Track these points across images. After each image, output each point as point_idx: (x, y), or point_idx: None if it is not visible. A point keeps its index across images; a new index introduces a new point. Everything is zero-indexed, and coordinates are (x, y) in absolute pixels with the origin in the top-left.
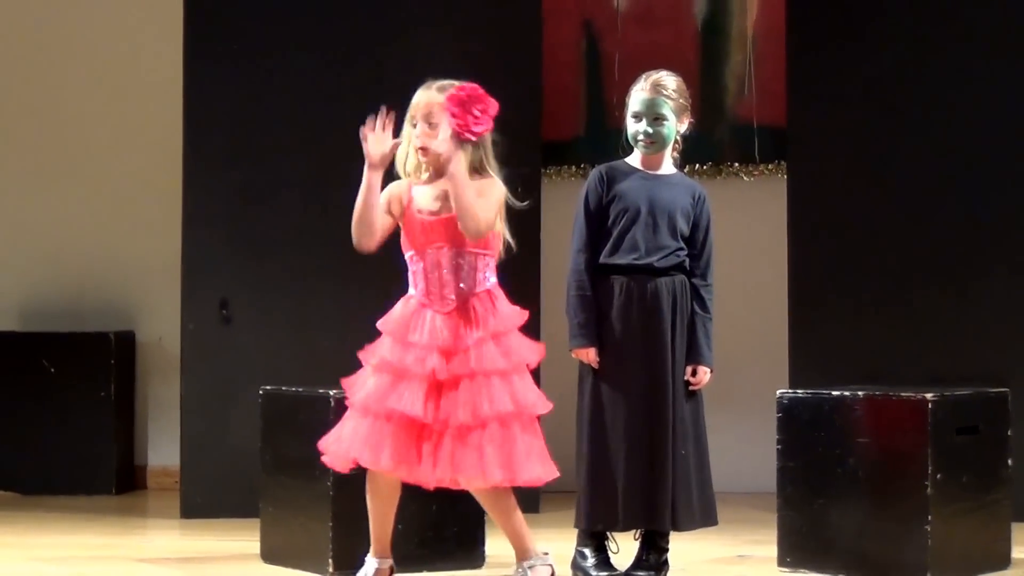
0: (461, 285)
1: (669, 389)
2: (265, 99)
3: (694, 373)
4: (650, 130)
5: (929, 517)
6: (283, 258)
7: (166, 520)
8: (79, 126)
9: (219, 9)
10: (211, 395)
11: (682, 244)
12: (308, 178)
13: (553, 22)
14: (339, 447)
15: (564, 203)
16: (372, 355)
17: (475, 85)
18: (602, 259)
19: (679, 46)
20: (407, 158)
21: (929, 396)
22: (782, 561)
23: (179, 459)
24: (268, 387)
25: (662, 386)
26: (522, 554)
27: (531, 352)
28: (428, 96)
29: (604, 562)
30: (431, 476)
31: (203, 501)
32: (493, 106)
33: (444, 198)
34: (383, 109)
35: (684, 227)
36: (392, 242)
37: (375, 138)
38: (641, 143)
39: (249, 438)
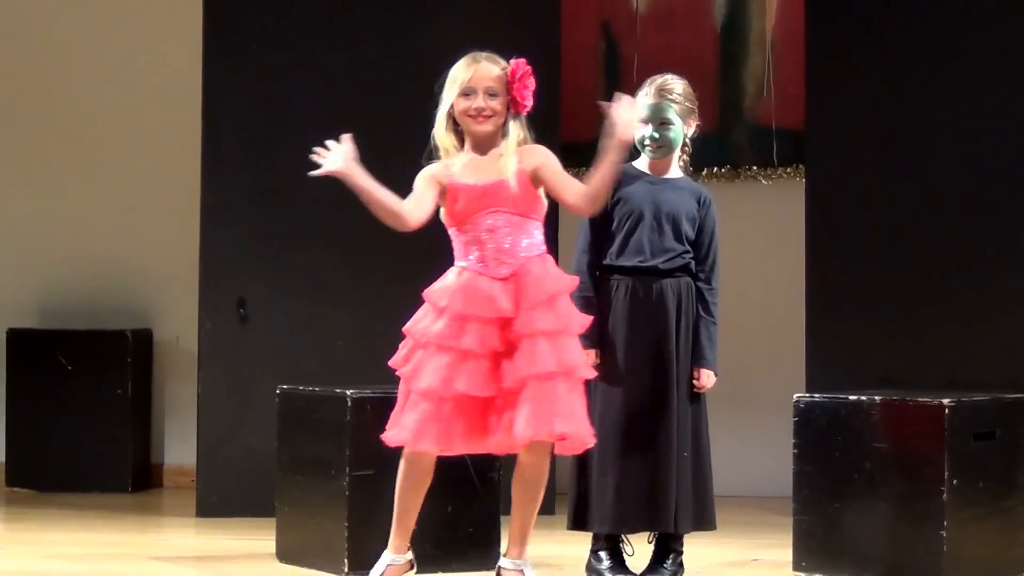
0: (519, 249)
1: (673, 391)
2: (283, 97)
3: (698, 376)
4: (656, 135)
5: (945, 522)
6: (300, 258)
7: (182, 519)
8: (97, 124)
9: (237, 7)
10: (228, 394)
11: (687, 247)
12: (327, 178)
13: (571, 23)
14: (405, 434)
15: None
16: (423, 331)
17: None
18: (607, 261)
19: (698, 48)
20: (444, 131)
21: (946, 401)
22: (797, 565)
23: (195, 458)
24: (285, 386)
25: (665, 387)
26: (519, 551)
27: (580, 317)
28: (484, 69)
29: (619, 565)
30: (506, 443)
31: (219, 500)
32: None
33: (490, 164)
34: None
35: (689, 231)
36: (409, 243)
37: (326, 155)
38: (648, 148)
39: (265, 437)
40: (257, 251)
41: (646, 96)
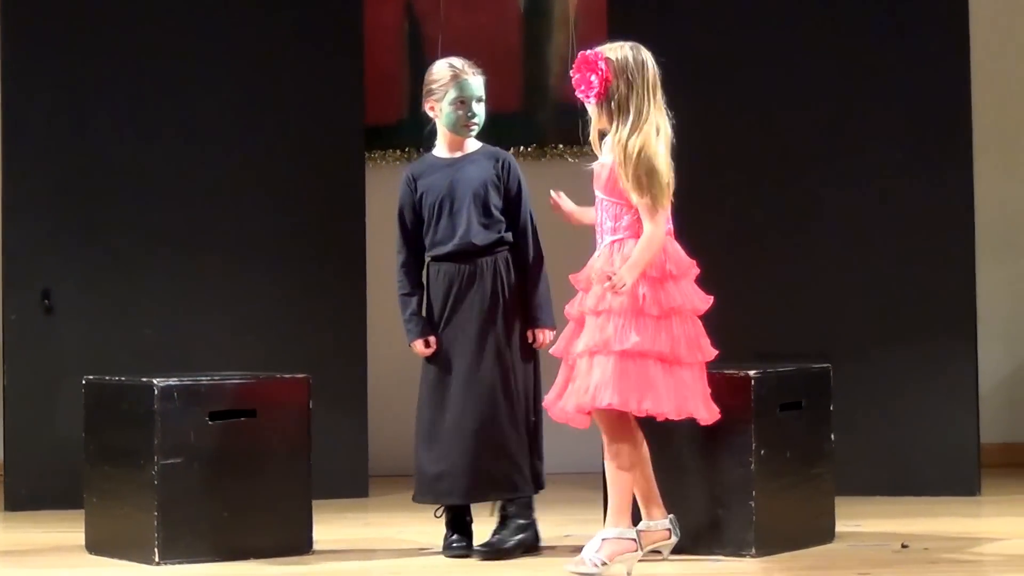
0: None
1: (488, 361)
2: (84, 88)
3: (534, 338)
4: (476, 112)
5: (753, 492)
6: (105, 248)
7: None
8: None
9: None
10: (34, 386)
11: (499, 217)
12: (131, 167)
13: (374, 5)
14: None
15: (388, 187)
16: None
17: (594, 50)
18: (429, 252)
19: (502, 28)
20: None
21: (752, 372)
22: None
23: (2, 451)
24: (91, 377)
25: (479, 358)
26: (609, 519)
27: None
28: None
29: (458, 541)
30: None
31: (28, 493)
32: (599, 69)
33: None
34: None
35: (496, 200)
36: (214, 233)
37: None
38: (469, 128)
39: (73, 429)
40: (61, 242)
41: (470, 74)
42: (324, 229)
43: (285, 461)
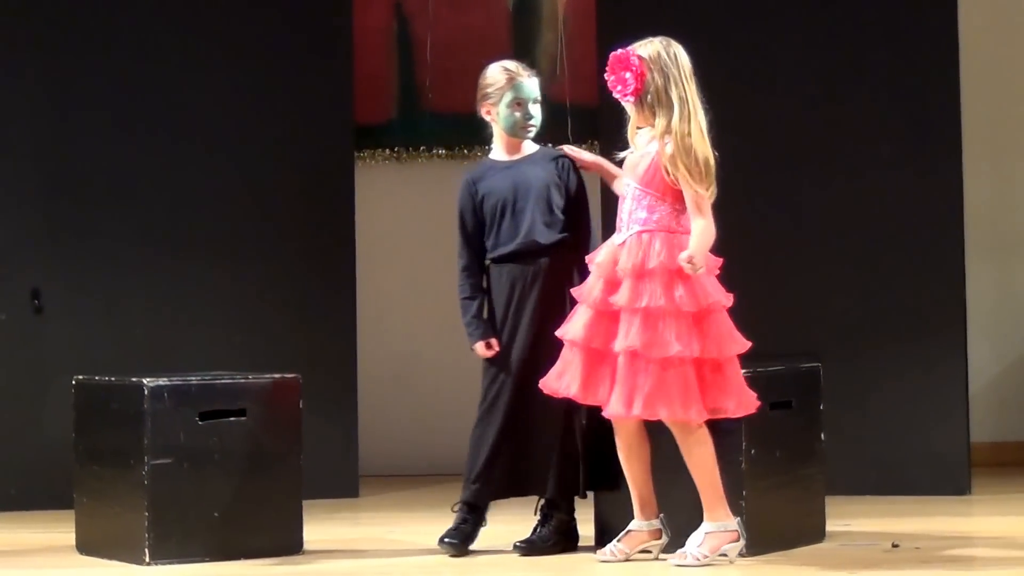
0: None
1: (547, 361)
2: (72, 86)
3: None
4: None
5: (744, 492)
6: (94, 248)
7: None
8: None
9: None
10: (24, 385)
11: (560, 216)
12: (120, 167)
13: (363, 5)
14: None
15: (378, 186)
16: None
17: (626, 50)
18: (489, 254)
19: (491, 28)
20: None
21: (742, 371)
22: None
23: None
24: (81, 376)
25: (538, 358)
26: (706, 514)
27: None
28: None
29: (451, 537)
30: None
31: (18, 493)
32: (633, 65)
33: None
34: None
35: (558, 199)
36: (204, 232)
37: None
38: (527, 130)
39: (63, 429)
40: (50, 242)
41: (525, 76)
42: (314, 228)
43: (275, 461)
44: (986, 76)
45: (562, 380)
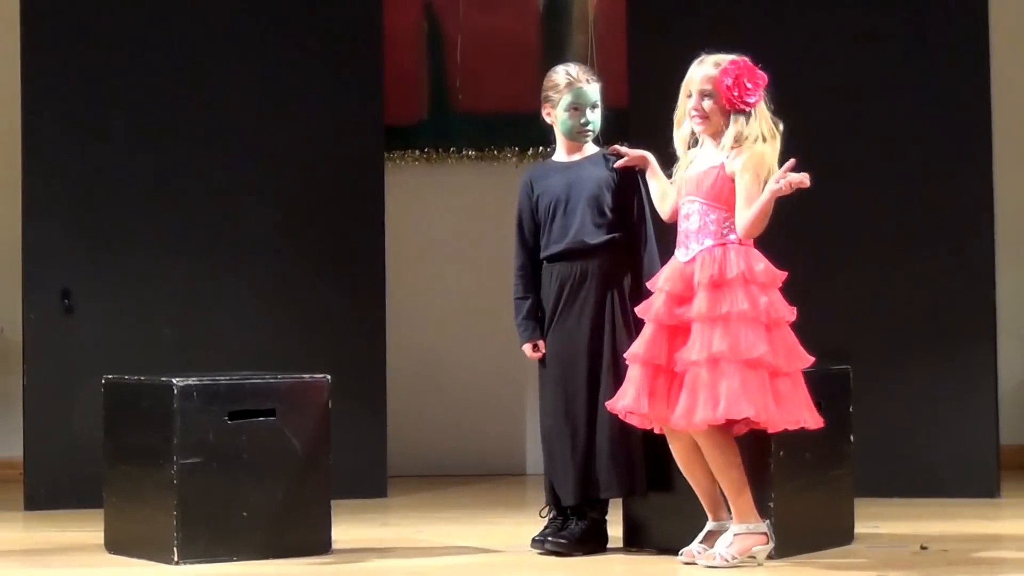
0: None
1: (595, 362)
2: (104, 87)
3: None
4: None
5: (772, 493)
6: (124, 248)
7: (9, 512)
8: None
9: None
10: (54, 385)
11: (612, 218)
12: (150, 168)
13: (393, 5)
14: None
15: (408, 187)
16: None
17: (745, 59)
18: (542, 254)
19: (521, 28)
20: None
21: None
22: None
23: (22, 450)
24: (110, 376)
25: (587, 359)
26: (735, 516)
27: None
28: (703, 70)
29: (541, 536)
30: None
31: (47, 492)
32: (763, 79)
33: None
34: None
35: (610, 200)
36: (230, 235)
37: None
38: (583, 135)
39: (93, 428)
40: (80, 242)
41: (585, 81)
42: (344, 229)
43: (304, 461)
44: (1017, 78)
45: (637, 401)
